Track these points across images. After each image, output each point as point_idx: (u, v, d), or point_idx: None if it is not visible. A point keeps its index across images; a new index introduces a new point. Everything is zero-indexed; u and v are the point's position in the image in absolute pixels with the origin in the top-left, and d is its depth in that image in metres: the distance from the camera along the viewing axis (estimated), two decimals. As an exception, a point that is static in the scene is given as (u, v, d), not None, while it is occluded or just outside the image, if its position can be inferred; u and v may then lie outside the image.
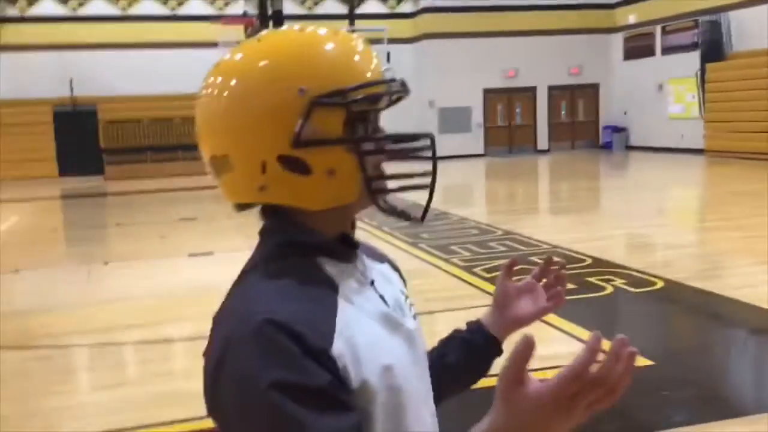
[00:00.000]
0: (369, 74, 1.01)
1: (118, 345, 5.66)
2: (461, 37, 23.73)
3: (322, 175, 0.99)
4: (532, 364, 0.86)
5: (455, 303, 6.37)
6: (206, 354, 0.96)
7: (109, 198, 17.75)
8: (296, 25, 1.05)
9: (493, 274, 7.15)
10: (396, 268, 1.23)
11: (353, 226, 1.11)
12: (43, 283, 8.06)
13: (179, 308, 6.45)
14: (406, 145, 1.08)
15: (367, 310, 1.01)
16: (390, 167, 1.06)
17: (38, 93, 21.28)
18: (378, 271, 1.14)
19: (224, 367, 0.91)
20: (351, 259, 1.06)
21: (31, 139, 21.15)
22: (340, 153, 0.99)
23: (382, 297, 1.07)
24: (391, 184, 1.04)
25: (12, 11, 21.57)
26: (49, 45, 21.48)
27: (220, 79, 1.02)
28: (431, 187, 1.05)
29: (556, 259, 1.25)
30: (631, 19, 24.07)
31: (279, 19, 12.99)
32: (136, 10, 22.39)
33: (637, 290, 6.38)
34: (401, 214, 1.08)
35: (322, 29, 1.05)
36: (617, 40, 24.85)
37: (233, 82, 1.00)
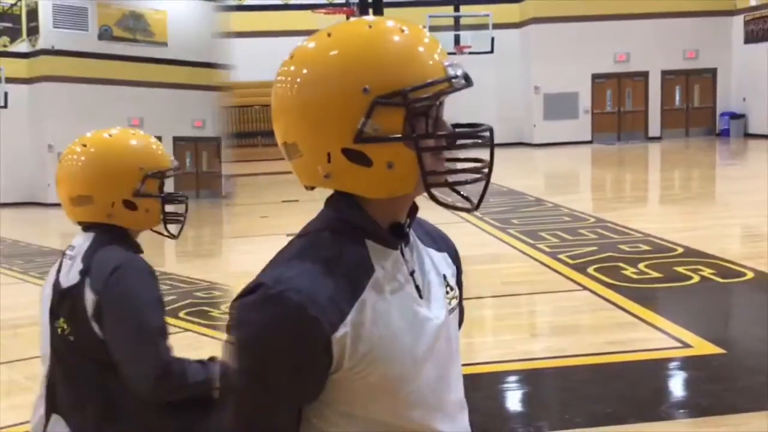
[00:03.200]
0: (432, 71, 1.05)
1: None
2: (570, 21, 23.23)
3: (382, 167, 1.05)
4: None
5: (529, 287, 6.49)
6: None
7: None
8: (368, 19, 1.10)
9: (577, 261, 7.18)
10: (455, 258, 1.26)
11: (414, 212, 1.15)
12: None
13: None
14: (464, 141, 1.12)
15: (393, 300, 1.08)
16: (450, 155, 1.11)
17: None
18: (428, 259, 1.18)
19: (241, 303, 1.04)
20: (397, 247, 1.12)
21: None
22: (399, 148, 1.05)
23: (417, 288, 1.12)
24: (449, 177, 1.09)
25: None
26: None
27: (293, 68, 1.09)
28: (488, 178, 1.10)
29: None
30: (753, 0, 22.83)
31: (378, 7, 13.27)
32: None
33: (725, 281, 6.28)
34: (455, 207, 1.13)
35: (391, 24, 1.09)
36: (737, 23, 23.63)
37: (302, 77, 1.07)
